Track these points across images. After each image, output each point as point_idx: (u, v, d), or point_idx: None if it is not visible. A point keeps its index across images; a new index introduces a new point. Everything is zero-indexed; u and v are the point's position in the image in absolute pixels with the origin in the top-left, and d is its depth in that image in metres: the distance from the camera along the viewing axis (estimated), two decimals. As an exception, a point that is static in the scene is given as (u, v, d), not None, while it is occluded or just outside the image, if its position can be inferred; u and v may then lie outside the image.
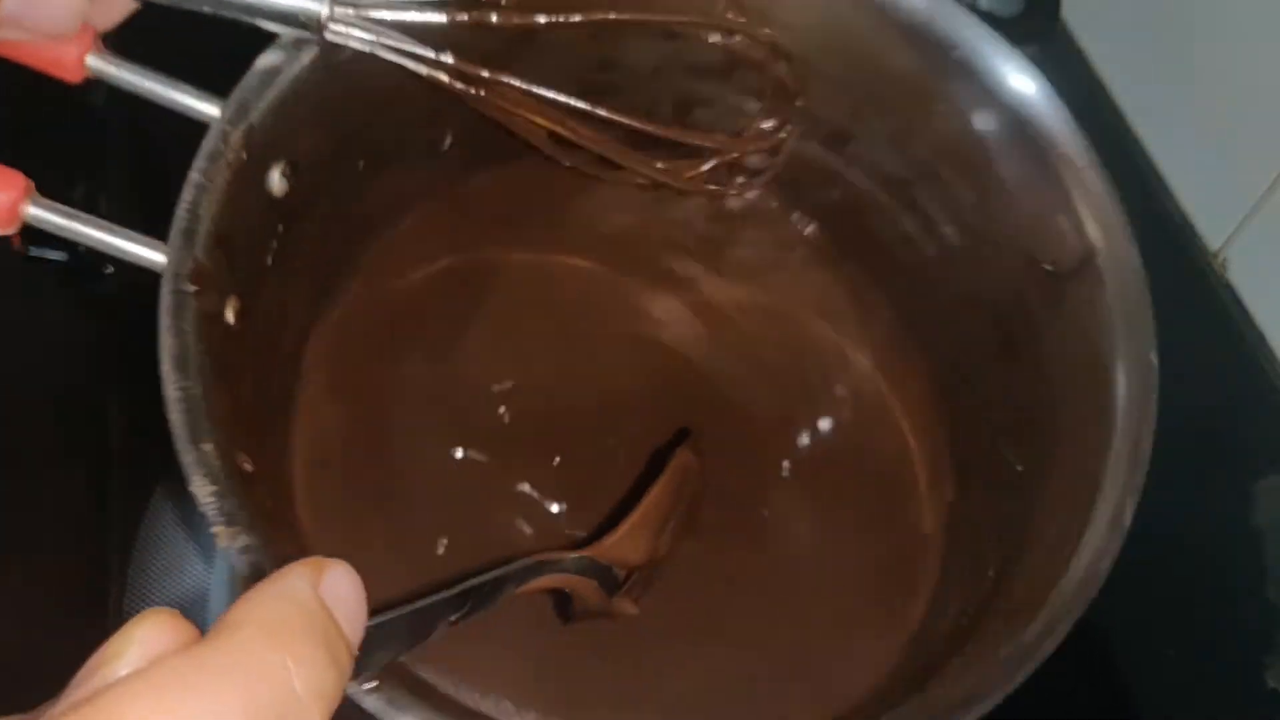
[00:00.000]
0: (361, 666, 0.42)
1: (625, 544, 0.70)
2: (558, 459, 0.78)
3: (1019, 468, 0.71)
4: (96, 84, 0.61)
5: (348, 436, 0.76)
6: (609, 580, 0.69)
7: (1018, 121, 0.69)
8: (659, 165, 0.76)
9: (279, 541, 0.57)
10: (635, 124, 0.72)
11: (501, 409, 0.79)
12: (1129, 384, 0.64)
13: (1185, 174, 0.89)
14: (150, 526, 0.87)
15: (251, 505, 0.57)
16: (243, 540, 0.54)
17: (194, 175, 0.60)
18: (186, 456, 0.55)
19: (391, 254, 0.81)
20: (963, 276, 0.77)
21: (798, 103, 0.76)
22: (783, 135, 0.79)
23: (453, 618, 0.56)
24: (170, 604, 0.82)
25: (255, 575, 0.54)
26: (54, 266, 0.83)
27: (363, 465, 0.76)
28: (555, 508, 0.77)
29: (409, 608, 0.51)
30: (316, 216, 0.71)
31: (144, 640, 0.36)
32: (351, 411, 0.77)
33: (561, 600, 0.71)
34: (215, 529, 0.55)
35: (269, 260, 0.68)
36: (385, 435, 0.77)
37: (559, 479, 0.78)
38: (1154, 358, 0.65)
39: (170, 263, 0.59)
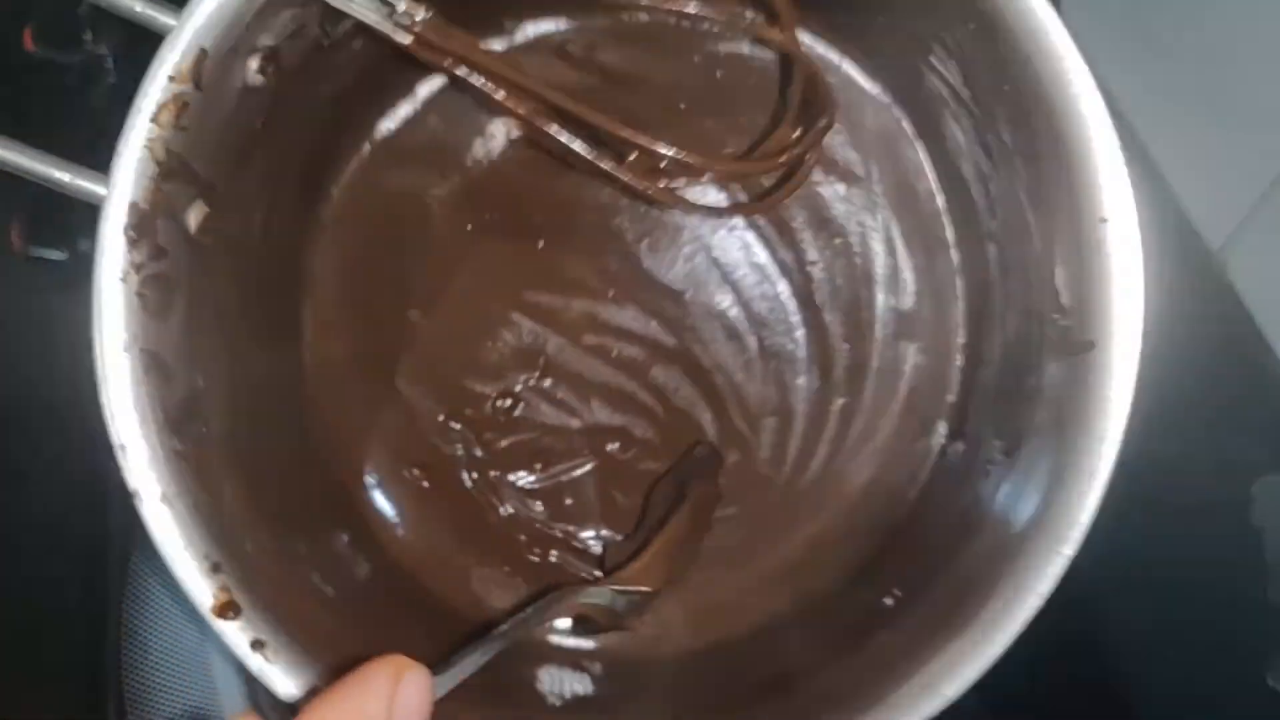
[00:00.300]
0: None
1: (647, 571, 0.73)
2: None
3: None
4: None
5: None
6: (629, 604, 0.73)
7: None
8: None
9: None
10: (633, 139, 0.69)
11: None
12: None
13: (1185, 174, 0.88)
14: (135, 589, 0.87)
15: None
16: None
17: (142, 93, 0.61)
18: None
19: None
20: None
21: (823, 123, 0.74)
22: (805, 155, 0.76)
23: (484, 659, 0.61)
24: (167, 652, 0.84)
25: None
26: (54, 266, 0.82)
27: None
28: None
29: (454, 670, 0.57)
30: (303, 107, 0.71)
31: None
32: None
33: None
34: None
35: (248, 152, 0.68)
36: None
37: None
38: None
39: (113, 197, 0.60)
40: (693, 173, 0.74)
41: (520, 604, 0.78)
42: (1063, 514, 0.62)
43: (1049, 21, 0.61)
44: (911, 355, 0.80)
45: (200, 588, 0.61)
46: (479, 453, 0.80)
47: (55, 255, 0.82)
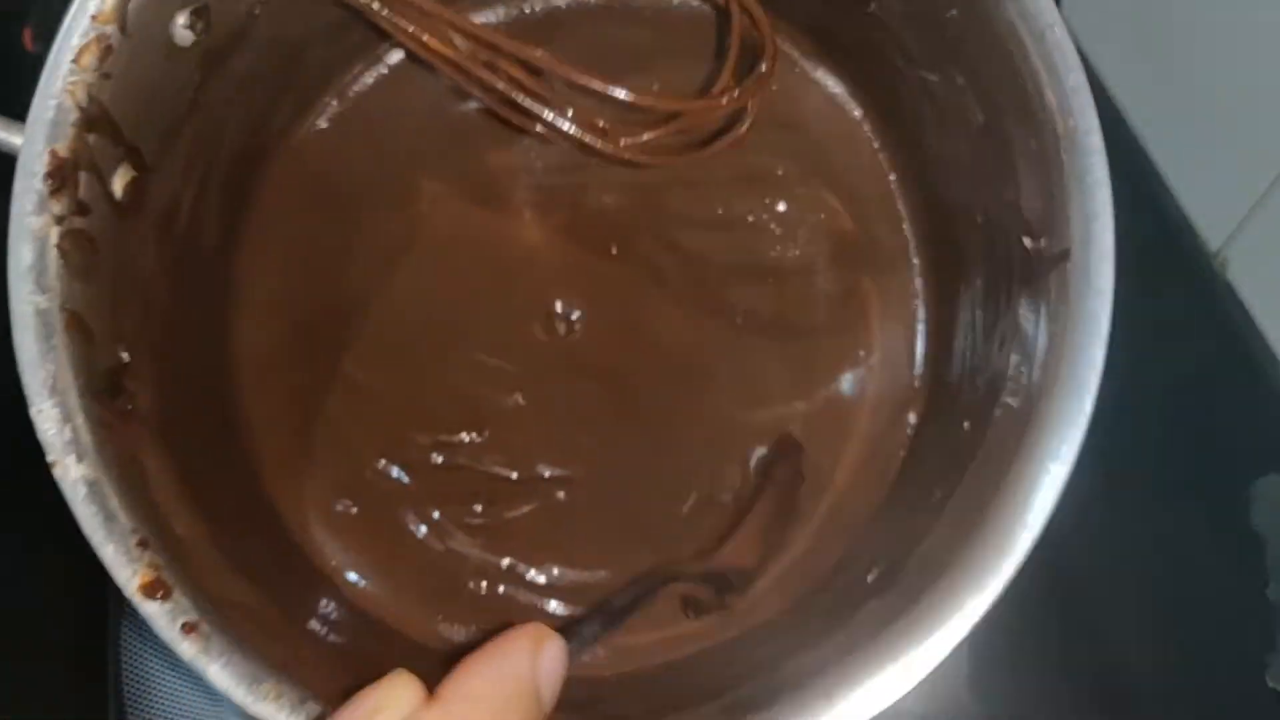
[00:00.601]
0: None
1: (738, 550, 0.72)
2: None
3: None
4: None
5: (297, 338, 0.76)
6: (724, 583, 0.72)
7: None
8: (594, 124, 0.72)
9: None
10: (578, 78, 0.68)
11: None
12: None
13: (1185, 174, 0.88)
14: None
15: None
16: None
17: (64, 33, 0.59)
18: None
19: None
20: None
21: (763, 68, 0.72)
22: (748, 100, 0.73)
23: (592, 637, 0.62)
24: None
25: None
26: None
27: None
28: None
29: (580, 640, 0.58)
30: (235, 84, 0.69)
31: (401, 700, 0.47)
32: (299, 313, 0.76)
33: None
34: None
35: (178, 123, 0.66)
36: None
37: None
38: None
39: (31, 138, 0.58)
40: (636, 127, 0.72)
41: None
42: (1041, 448, 0.59)
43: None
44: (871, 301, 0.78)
45: (125, 565, 0.56)
46: (415, 489, 0.76)
47: None
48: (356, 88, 0.78)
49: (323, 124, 0.78)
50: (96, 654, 0.84)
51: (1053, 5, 0.59)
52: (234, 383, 0.74)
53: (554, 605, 0.74)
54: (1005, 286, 0.65)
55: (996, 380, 0.64)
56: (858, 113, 0.79)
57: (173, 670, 0.82)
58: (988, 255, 0.68)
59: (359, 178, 0.77)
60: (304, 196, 0.77)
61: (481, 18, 0.77)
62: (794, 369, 0.77)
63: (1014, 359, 0.63)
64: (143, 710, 0.83)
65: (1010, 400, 0.62)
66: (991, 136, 0.65)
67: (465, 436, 0.75)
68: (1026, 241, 0.62)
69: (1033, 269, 0.62)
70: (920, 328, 0.77)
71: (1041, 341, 0.60)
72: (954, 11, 0.63)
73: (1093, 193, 0.58)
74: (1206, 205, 0.87)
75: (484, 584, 0.74)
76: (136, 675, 0.83)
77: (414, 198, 0.77)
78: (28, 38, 0.82)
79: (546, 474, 0.75)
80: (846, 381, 0.77)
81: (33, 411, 0.56)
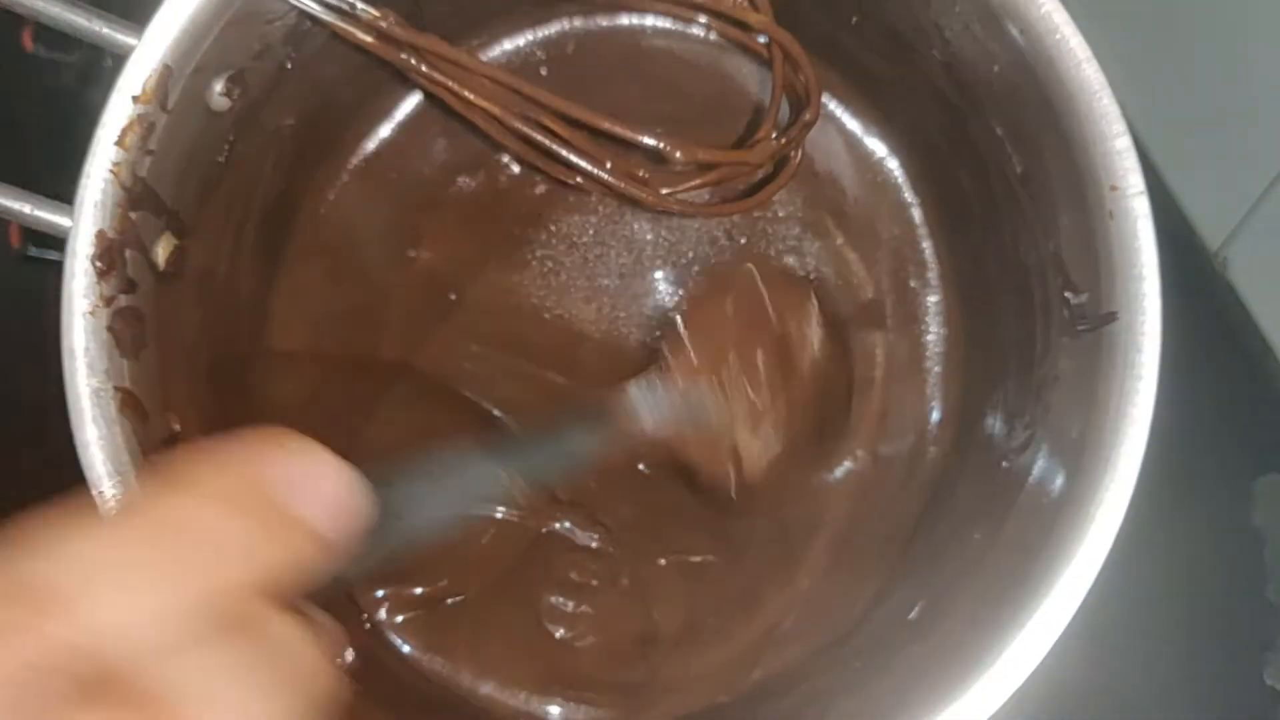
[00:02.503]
0: (368, 548, 0.40)
1: (696, 353, 0.66)
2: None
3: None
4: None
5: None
6: (700, 413, 0.65)
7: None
8: (634, 174, 0.71)
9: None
10: (616, 129, 0.68)
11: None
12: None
13: (1185, 174, 0.88)
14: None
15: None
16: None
17: (106, 116, 0.58)
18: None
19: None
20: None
21: (807, 116, 0.72)
22: (791, 149, 0.74)
23: (514, 488, 0.54)
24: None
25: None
26: (54, 267, 0.80)
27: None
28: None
29: (425, 472, 0.49)
30: (268, 136, 0.69)
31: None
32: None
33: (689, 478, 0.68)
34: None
35: (214, 182, 0.66)
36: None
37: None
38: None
39: (79, 225, 0.58)
40: (676, 177, 0.72)
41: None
42: (1094, 487, 0.59)
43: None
44: (881, 347, 0.78)
45: None
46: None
47: (55, 256, 0.79)
48: (383, 132, 0.78)
49: (351, 168, 0.78)
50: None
51: (1100, 73, 0.59)
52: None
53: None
54: (1044, 336, 0.66)
55: (1033, 427, 0.66)
56: (891, 160, 0.79)
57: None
58: (1024, 307, 0.68)
59: (385, 223, 0.77)
60: (333, 242, 0.77)
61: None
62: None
63: (1054, 408, 0.64)
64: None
65: (1048, 454, 0.64)
66: (1031, 186, 0.65)
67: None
68: (1068, 295, 0.63)
69: (1074, 325, 0.62)
70: (940, 379, 0.78)
71: (1082, 395, 0.61)
72: (997, 67, 0.64)
73: (1139, 256, 0.59)
74: (1206, 205, 0.87)
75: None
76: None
77: (437, 245, 0.78)
78: (27, 38, 0.81)
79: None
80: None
81: (94, 493, 0.56)
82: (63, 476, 0.79)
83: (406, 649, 0.74)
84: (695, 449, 0.65)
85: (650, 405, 0.63)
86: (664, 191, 0.70)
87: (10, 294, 0.82)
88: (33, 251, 0.81)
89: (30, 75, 0.82)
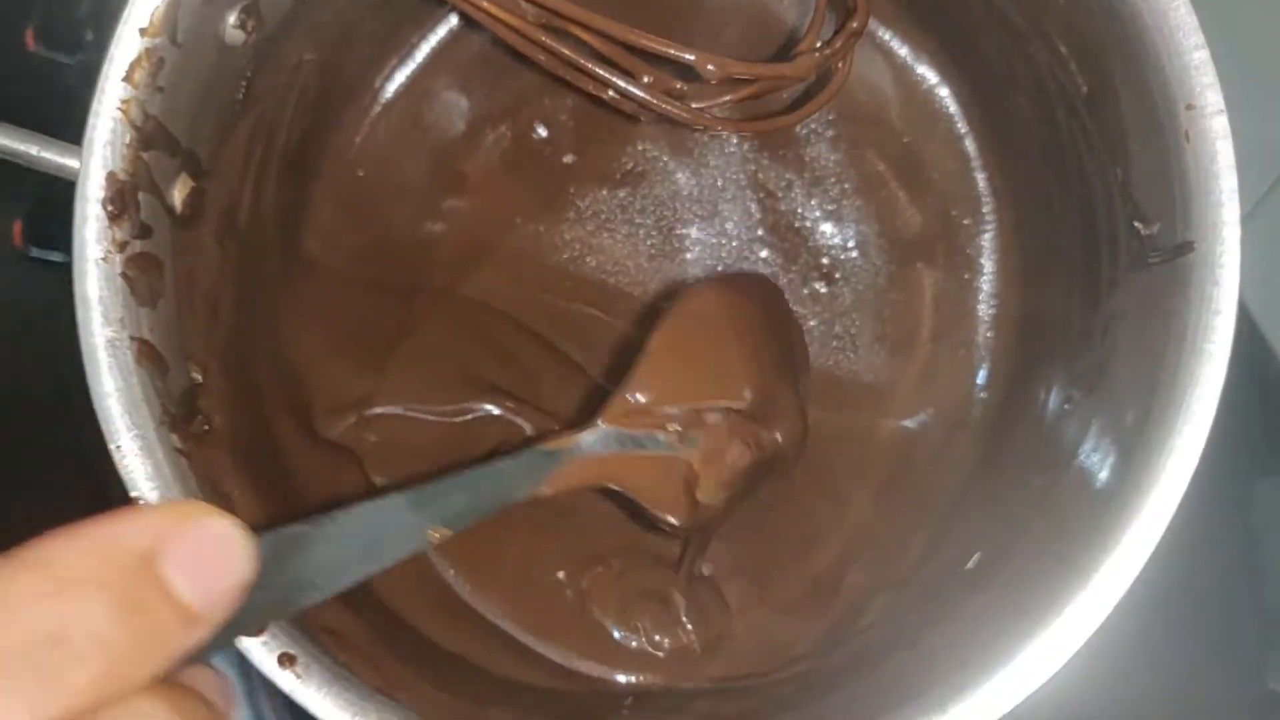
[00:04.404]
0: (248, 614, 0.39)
1: (651, 385, 0.62)
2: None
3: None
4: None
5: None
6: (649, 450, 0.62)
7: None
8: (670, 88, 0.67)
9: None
10: (648, 43, 0.63)
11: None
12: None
13: None
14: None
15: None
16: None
17: (113, 50, 0.55)
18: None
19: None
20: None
21: (854, 24, 0.67)
22: (840, 58, 0.69)
23: (432, 531, 0.52)
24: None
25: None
26: (55, 267, 0.80)
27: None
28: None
29: (328, 520, 0.46)
30: (287, 71, 0.66)
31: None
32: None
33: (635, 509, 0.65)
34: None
35: (232, 120, 0.63)
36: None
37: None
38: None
39: (88, 166, 0.55)
40: (713, 91, 0.67)
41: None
42: (1166, 441, 0.56)
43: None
44: (937, 290, 0.75)
45: None
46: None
47: (56, 257, 0.80)
48: (409, 70, 0.76)
49: (378, 108, 0.75)
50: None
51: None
52: (303, 386, 0.72)
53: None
54: (1110, 273, 0.62)
55: (1094, 380, 0.63)
56: (943, 86, 0.75)
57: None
58: (1088, 241, 0.64)
59: (414, 167, 0.75)
60: (363, 183, 0.75)
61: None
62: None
63: (1118, 353, 0.61)
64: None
65: (1126, 382, 0.60)
66: (1097, 109, 0.61)
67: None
68: (1139, 226, 0.59)
69: (1145, 255, 0.59)
70: (993, 326, 0.75)
71: (1155, 327, 0.58)
72: None
73: (1218, 180, 0.56)
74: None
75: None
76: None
77: (470, 190, 0.76)
78: (29, 38, 0.80)
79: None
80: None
81: (111, 448, 0.54)
82: (64, 475, 0.79)
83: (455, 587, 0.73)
84: (641, 488, 0.62)
85: (594, 445, 0.61)
86: (695, 106, 0.66)
87: (11, 294, 0.82)
88: (34, 252, 0.80)
89: (31, 75, 0.81)
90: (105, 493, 0.79)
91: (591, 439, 0.60)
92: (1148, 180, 0.58)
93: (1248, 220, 0.83)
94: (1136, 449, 0.57)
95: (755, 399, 0.63)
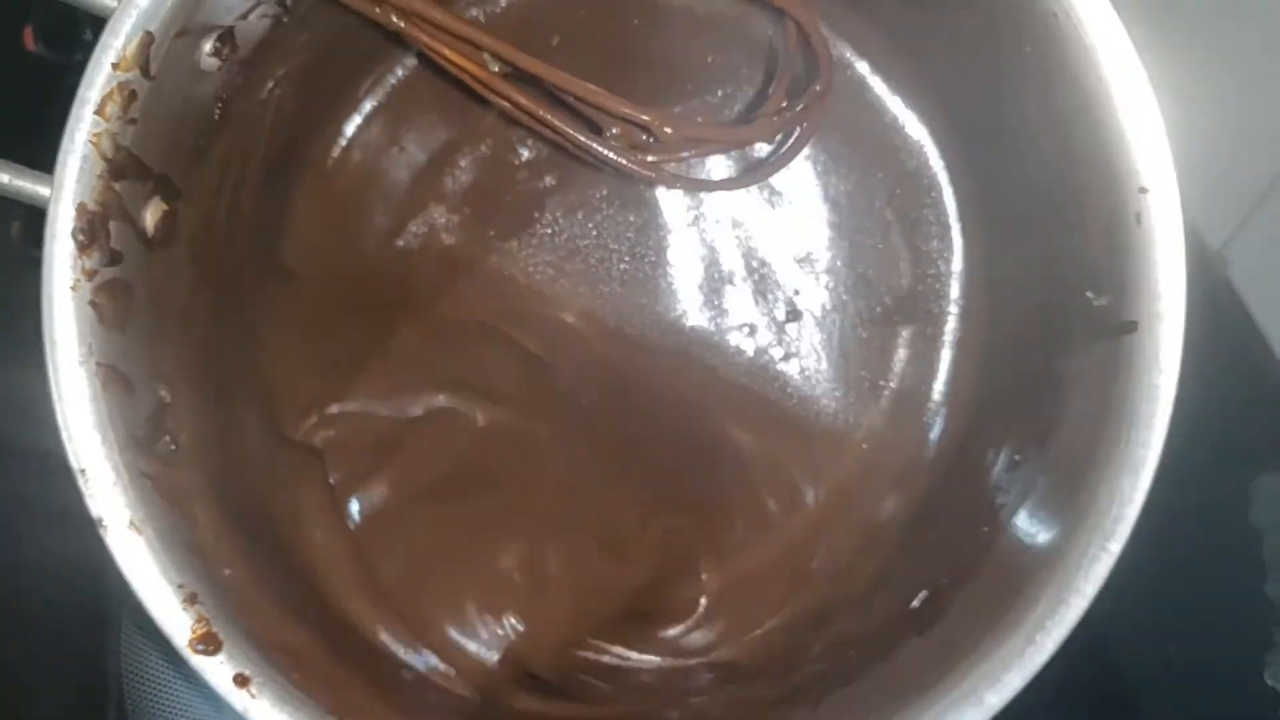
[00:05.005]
0: None
1: None
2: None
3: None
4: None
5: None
6: None
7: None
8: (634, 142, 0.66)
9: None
10: (605, 103, 0.64)
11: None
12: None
13: (1185, 174, 0.87)
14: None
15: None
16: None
17: (85, 84, 0.56)
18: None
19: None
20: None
21: (817, 87, 0.67)
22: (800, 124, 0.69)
23: None
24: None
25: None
26: None
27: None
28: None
29: None
30: (262, 94, 0.67)
31: None
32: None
33: None
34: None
35: (207, 142, 0.64)
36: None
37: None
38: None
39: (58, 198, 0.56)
40: (672, 146, 0.67)
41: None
42: (1107, 508, 0.57)
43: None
44: (902, 342, 0.76)
45: (175, 620, 0.56)
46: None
47: None
48: (388, 86, 0.76)
49: (353, 125, 0.76)
50: (96, 656, 0.83)
51: (1144, 75, 0.57)
52: (275, 404, 0.73)
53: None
54: (1065, 335, 0.63)
55: (1055, 419, 0.64)
56: (926, 137, 0.75)
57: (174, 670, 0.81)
58: (1048, 300, 0.66)
59: (395, 179, 0.76)
60: (340, 196, 0.75)
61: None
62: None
63: (1072, 403, 0.62)
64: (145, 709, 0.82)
65: (1073, 442, 0.62)
66: (1064, 180, 0.62)
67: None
68: (1090, 296, 0.60)
69: (1095, 326, 0.60)
70: (951, 381, 0.76)
71: (1101, 394, 0.59)
72: (1029, 48, 0.60)
73: (1165, 263, 0.57)
74: (1206, 205, 0.86)
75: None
76: (138, 673, 0.82)
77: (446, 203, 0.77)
78: (28, 38, 0.80)
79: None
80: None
81: (75, 473, 0.56)
82: (65, 473, 0.81)
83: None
84: None
85: None
86: (652, 160, 0.66)
87: (10, 294, 0.79)
88: (34, 252, 0.80)
89: (31, 75, 0.81)
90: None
91: None
92: (1101, 254, 0.59)
93: (1248, 220, 0.83)
94: (1077, 508, 0.58)
95: None
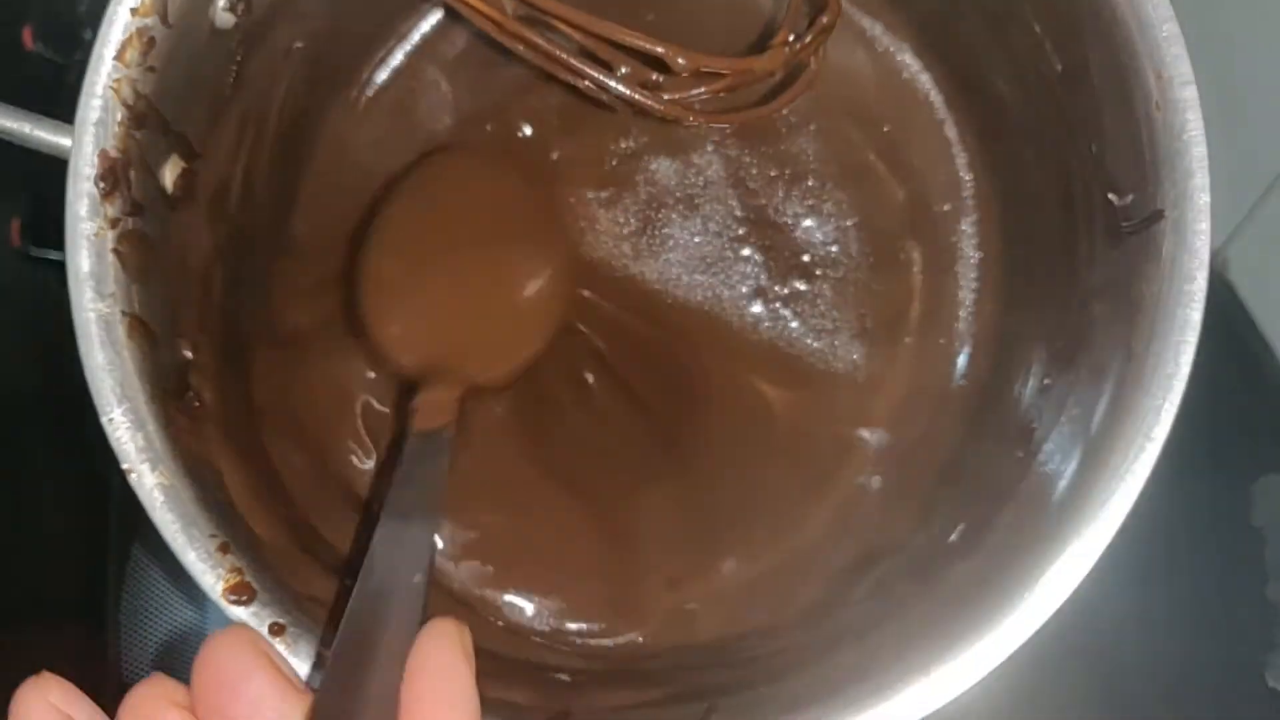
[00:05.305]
0: None
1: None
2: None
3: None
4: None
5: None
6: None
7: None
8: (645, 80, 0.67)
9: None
10: (622, 36, 0.65)
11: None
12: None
13: None
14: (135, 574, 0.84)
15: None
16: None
17: (105, 29, 0.57)
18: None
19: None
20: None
21: (825, 18, 0.68)
22: (811, 52, 0.69)
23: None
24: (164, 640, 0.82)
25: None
26: (55, 266, 0.80)
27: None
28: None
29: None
30: (278, 55, 0.67)
31: None
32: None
33: None
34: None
35: (223, 104, 0.64)
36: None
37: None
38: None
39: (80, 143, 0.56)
40: (684, 85, 0.68)
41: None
42: (1143, 405, 0.57)
43: None
44: (917, 280, 0.76)
45: (208, 570, 0.54)
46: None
47: (56, 256, 0.80)
48: (402, 51, 0.77)
49: (371, 90, 0.76)
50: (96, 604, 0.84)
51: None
52: (295, 364, 0.73)
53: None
54: (1088, 251, 0.63)
55: (1082, 333, 0.63)
56: (923, 73, 0.76)
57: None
58: (1066, 218, 0.66)
59: (406, 151, 0.76)
60: (352, 167, 0.76)
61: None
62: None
63: (1100, 313, 0.62)
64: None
65: (1103, 353, 0.61)
66: (1072, 86, 0.62)
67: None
68: (1112, 197, 0.60)
69: (1119, 225, 0.60)
70: (974, 310, 0.76)
71: (1131, 297, 0.58)
72: None
73: (1188, 149, 0.56)
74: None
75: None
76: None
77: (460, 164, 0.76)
78: (28, 37, 0.81)
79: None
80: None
81: (103, 420, 0.55)
82: (66, 474, 0.82)
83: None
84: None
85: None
86: (667, 98, 0.66)
87: (10, 294, 0.83)
88: (33, 251, 0.81)
89: (31, 74, 0.81)
90: (105, 492, 0.81)
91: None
92: (1120, 152, 0.59)
93: (1248, 220, 0.83)
94: (1114, 419, 0.58)
95: None
